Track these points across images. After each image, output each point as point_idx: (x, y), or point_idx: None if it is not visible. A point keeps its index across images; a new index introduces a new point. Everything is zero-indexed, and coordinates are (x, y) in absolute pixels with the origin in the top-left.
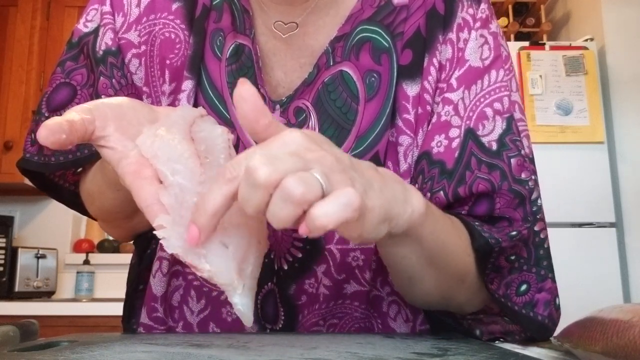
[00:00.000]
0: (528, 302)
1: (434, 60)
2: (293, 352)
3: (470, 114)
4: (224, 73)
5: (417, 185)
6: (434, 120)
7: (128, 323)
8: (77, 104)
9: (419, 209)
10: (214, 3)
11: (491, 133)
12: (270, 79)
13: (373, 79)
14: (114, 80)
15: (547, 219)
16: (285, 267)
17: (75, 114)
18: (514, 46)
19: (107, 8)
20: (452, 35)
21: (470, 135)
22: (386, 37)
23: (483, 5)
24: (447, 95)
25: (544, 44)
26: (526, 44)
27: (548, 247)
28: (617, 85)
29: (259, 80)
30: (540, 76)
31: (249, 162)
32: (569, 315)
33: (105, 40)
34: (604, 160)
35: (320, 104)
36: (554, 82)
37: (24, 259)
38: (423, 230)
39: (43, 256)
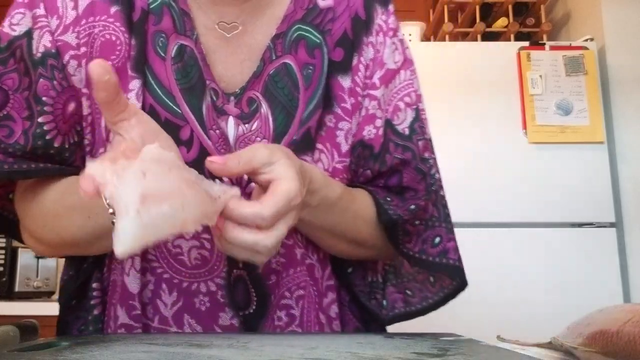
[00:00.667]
0: (441, 251)
1: (362, 59)
2: (293, 352)
3: (388, 107)
4: (171, 71)
5: (353, 166)
6: (363, 112)
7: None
8: (11, 108)
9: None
10: (151, 7)
11: (404, 122)
12: (213, 69)
13: (309, 70)
14: (55, 82)
15: (547, 219)
16: None
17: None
18: (513, 46)
19: (40, 11)
20: (373, 39)
21: (388, 125)
22: (317, 34)
23: (393, 17)
24: (372, 92)
25: (544, 44)
26: (526, 44)
27: (448, 206)
28: (617, 85)
29: (206, 76)
30: (540, 76)
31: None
32: (569, 315)
33: (43, 43)
34: (604, 160)
35: (269, 93)
36: (554, 82)
37: (24, 259)
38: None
39: (43, 256)
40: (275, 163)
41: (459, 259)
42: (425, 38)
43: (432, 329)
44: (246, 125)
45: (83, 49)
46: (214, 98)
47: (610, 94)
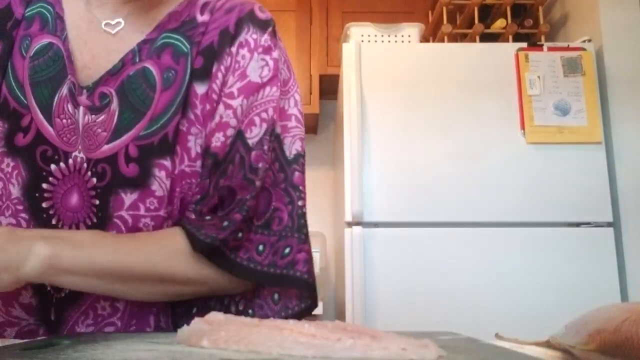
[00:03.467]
0: (290, 262)
1: (222, 67)
2: (293, 349)
3: (244, 119)
4: (27, 68)
5: (204, 176)
6: (217, 120)
7: None
8: None
9: (44, 254)
10: (26, 15)
11: (256, 136)
12: (78, 63)
13: (170, 74)
14: None
15: (545, 219)
16: None
17: None
18: (512, 47)
19: None
20: (233, 49)
21: (240, 136)
22: (186, 43)
23: (266, 36)
24: (228, 101)
25: (542, 45)
26: (524, 45)
27: (306, 217)
28: (614, 86)
29: (69, 70)
30: (539, 77)
31: None
32: (567, 314)
33: None
34: (601, 161)
35: (122, 91)
36: (552, 83)
37: None
38: (62, 265)
39: None
40: None
41: (309, 273)
42: (424, 39)
43: (431, 327)
44: (93, 116)
45: None
46: (73, 90)
47: (607, 95)
